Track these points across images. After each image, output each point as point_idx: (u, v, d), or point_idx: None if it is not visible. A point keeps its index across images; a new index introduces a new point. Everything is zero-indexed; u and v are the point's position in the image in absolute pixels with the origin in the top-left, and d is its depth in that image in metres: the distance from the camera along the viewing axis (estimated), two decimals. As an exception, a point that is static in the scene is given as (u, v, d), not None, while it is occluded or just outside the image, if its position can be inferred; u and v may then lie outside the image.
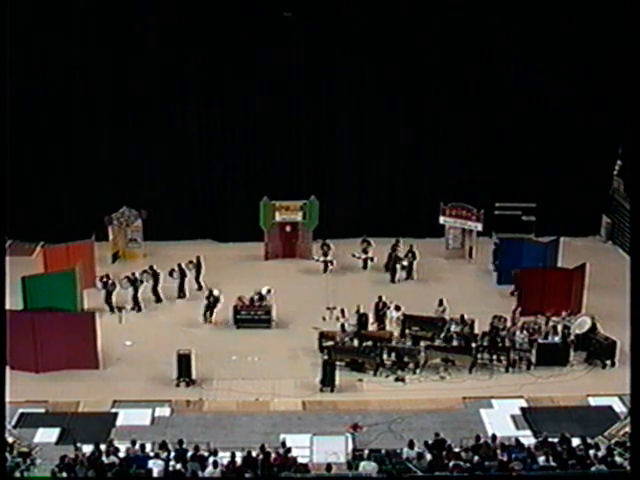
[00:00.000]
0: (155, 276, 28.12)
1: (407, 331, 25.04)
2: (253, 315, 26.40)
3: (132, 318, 26.81)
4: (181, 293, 28.52)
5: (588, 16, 31.38)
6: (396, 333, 25.05)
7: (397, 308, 25.57)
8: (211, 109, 32.61)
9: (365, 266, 30.93)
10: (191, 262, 28.86)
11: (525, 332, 24.17)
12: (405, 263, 30.13)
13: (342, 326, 24.71)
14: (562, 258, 29.12)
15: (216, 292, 26.66)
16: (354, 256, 30.84)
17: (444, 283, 29.81)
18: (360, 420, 21.26)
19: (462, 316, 25.00)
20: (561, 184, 32.98)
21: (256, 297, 26.63)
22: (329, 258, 30.57)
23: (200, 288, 28.53)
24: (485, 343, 24.17)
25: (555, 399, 22.44)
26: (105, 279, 27.41)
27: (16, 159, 28.34)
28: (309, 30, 31.75)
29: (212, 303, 26.50)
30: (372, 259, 30.86)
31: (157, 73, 31.92)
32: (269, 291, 26.78)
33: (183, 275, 28.48)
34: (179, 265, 28.52)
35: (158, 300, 28.12)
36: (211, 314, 26.59)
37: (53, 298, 24.81)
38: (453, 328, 24.71)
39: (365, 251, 30.97)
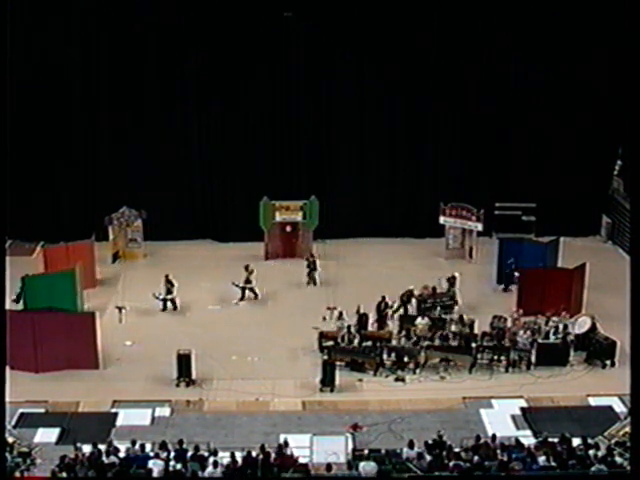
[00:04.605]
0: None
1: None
2: (439, 302, 26.45)
3: (132, 318, 26.78)
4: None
5: (588, 16, 31.36)
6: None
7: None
8: (211, 109, 32.60)
9: (243, 297, 27.90)
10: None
11: (529, 332, 24.18)
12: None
13: (349, 327, 24.61)
14: (562, 258, 29.10)
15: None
16: (234, 284, 28.01)
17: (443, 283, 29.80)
18: (360, 420, 21.23)
19: (461, 316, 25.06)
20: (561, 184, 32.92)
21: (446, 284, 27.21)
22: (250, 285, 28.06)
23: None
24: (486, 343, 24.18)
25: (555, 399, 22.41)
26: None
27: (16, 159, 28.28)
28: (309, 30, 31.75)
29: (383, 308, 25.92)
30: (254, 292, 28.06)
31: (157, 73, 31.92)
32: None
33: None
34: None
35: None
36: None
37: (53, 298, 24.77)
38: (453, 328, 24.71)
39: (248, 281, 28.16)
